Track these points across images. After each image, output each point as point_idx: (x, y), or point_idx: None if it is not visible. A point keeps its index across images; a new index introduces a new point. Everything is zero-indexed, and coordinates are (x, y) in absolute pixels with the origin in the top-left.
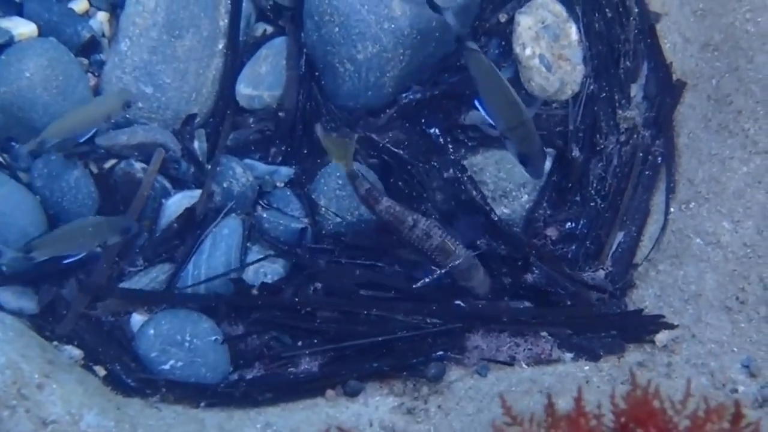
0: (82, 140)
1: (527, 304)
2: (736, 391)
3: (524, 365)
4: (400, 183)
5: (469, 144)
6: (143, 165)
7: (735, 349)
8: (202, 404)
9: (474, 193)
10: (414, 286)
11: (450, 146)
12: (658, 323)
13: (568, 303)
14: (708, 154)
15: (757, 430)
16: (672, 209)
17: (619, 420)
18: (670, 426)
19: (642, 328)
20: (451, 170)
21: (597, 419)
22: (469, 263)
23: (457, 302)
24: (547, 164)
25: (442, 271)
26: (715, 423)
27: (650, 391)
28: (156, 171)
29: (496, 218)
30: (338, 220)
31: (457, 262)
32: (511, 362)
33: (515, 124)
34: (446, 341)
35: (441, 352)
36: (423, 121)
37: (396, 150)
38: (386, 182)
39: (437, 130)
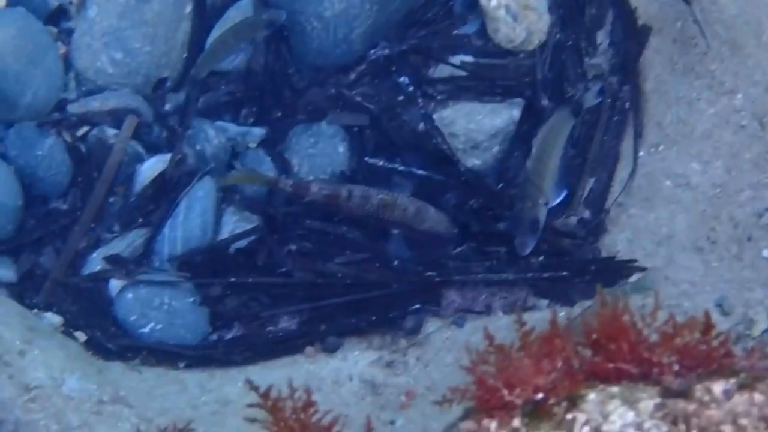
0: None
1: (503, 249)
2: None
3: (500, 314)
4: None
5: (439, 97)
6: (116, 131)
7: (708, 289)
8: (182, 365)
9: (444, 146)
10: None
11: (420, 100)
12: (630, 267)
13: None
14: (675, 97)
15: (726, 341)
16: (641, 153)
17: (590, 337)
18: (641, 339)
19: (615, 272)
20: (421, 124)
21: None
22: (416, 207)
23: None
24: (517, 113)
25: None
26: (686, 336)
27: (620, 307)
28: (128, 137)
29: (464, 169)
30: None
31: (405, 209)
32: (487, 312)
33: (536, 187)
34: (422, 295)
35: (417, 306)
36: (392, 76)
37: (367, 105)
38: (356, 141)
39: (407, 83)
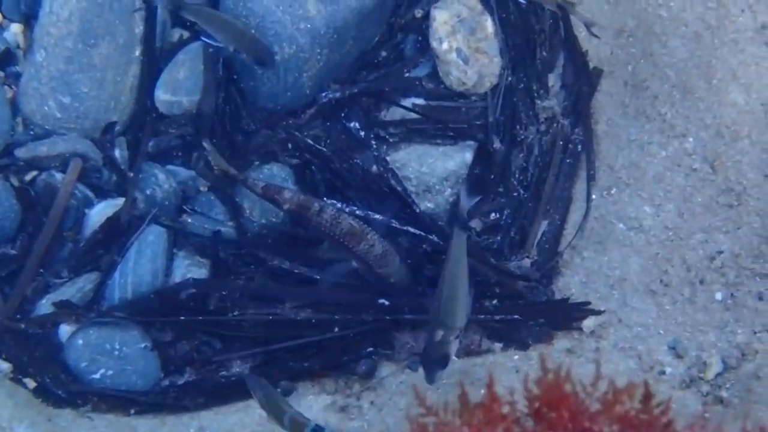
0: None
1: None
2: (663, 372)
3: (454, 357)
4: (321, 180)
5: (391, 140)
6: (64, 175)
7: (661, 332)
8: (133, 412)
9: (398, 187)
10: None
11: (373, 142)
12: (584, 309)
13: (496, 292)
14: (627, 140)
15: (667, 410)
16: (594, 196)
17: (533, 405)
18: (582, 408)
19: (569, 315)
20: (374, 166)
21: (510, 405)
22: (383, 248)
23: (381, 300)
24: (469, 156)
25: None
26: (625, 403)
27: (562, 374)
28: (73, 181)
29: (419, 211)
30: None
31: (371, 246)
32: None
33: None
34: (375, 339)
35: (371, 349)
36: (343, 118)
37: (319, 147)
38: (306, 182)
39: (358, 126)
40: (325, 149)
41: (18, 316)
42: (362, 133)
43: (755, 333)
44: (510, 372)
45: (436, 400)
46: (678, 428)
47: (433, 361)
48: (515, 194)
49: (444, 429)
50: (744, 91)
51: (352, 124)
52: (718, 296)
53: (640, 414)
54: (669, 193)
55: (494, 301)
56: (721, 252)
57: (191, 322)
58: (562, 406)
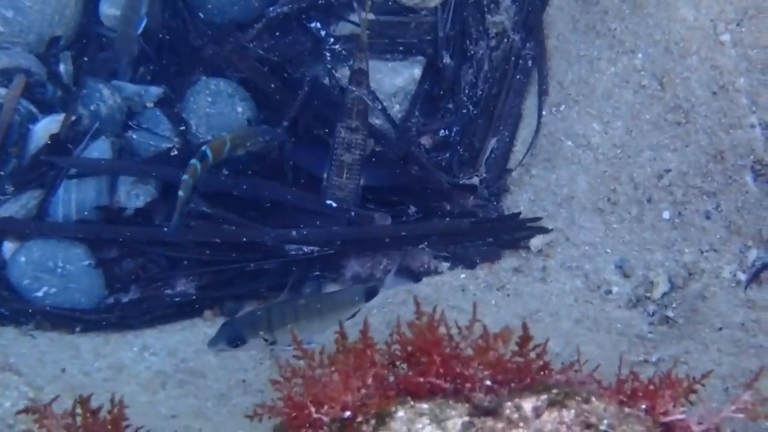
0: None
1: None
2: (610, 292)
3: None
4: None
5: (340, 55)
6: (7, 91)
7: (608, 251)
8: (77, 330)
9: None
10: None
11: (326, 53)
12: (533, 227)
13: (447, 209)
14: (576, 56)
15: (544, 352)
16: (544, 112)
17: (405, 349)
18: (455, 353)
19: (517, 233)
20: (326, 78)
21: (387, 348)
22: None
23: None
24: (418, 72)
25: None
26: (500, 348)
27: (436, 318)
28: (16, 96)
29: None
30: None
31: None
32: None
33: None
34: (322, 264)
35: (317, 273)
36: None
37: (271, 57)
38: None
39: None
40: (276, 59)
41: None
42: (323, 34)
43: (702, 252)
44: (456, 291)
45: (380, 321)
46: (553, 370)
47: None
48: (464, 111)
49: (314, 376)
50: (693, 6)
51: (313, 24)
52: (666, 215)
53: (515, 358)
54: (617, 110)
55: (444, 219)
56: (668, 170)
57: (136, 240)
58: (434, 350)
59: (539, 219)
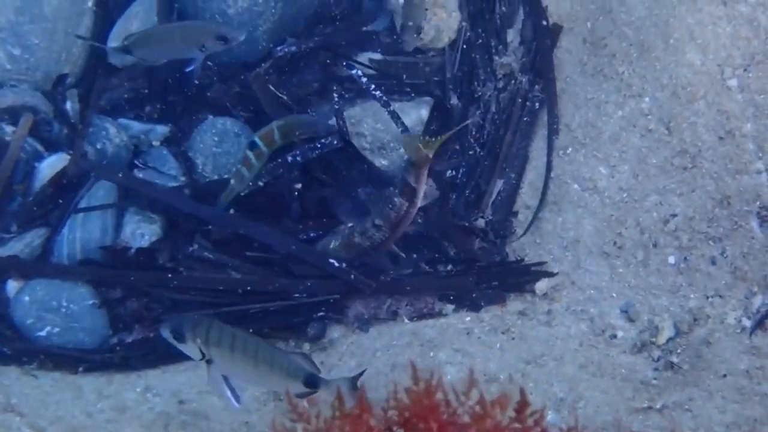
0: None
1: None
2: (615, 336)
3: (406, 320)
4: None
5: (346, 96)
6: (14, 128)
7: (614, 295)
8: (81, 369)
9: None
10: None
11: (335, 94)
12: (538, 271)
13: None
14: (584, 99)
15: (542, 419)
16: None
17: (403, 415)
18: (452, 420)
19: (523, 277)
20: (333, 119)
21: (384, 414)
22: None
23: (331, 261)
24: (425, 112)
25: None
26: (497, 415)
27: (433, 383)
28: (24, 135)
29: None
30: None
31: None
32: (393, 318)
33: None
34: (326, 306)
35: (321, 313)
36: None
37: (279, 94)
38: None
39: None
40: (285, 97)
41: None
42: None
43: (707, 298)
44: (461, 334)
45: (385, 364)
46: None
47: None
48: (471, 152)
49: None
50: (701, 51)
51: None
52: (672, 260)
53: (513, 424)
54: (624, 154)
55: (448, 266)
56: (675, 215)
57: (140, 281)
58: (431, 416)
59: (544, 263)
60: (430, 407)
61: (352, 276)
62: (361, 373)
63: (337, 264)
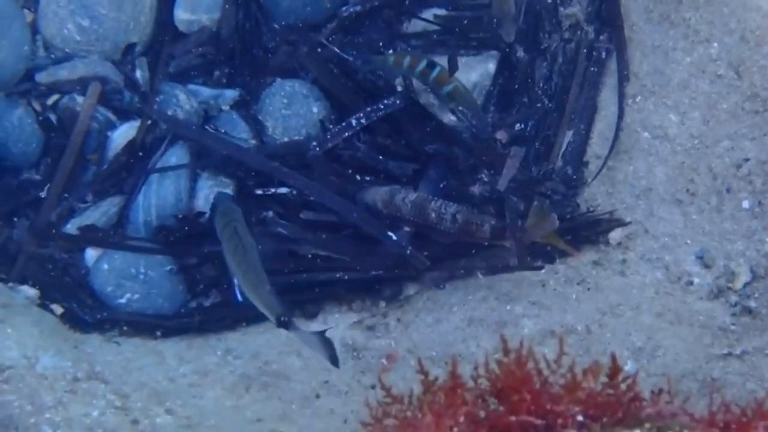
0: None
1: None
2: (691, 283)
3: (480, 276)
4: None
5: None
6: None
7: (688, 242)
8: (158, 334)
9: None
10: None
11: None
12: (610, 221)
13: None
14: (651, 46)
15: (634, 384)
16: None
17: (495, 386)
18: (545, 389)
19: (595, 229)
20: (400, 78)
21: (475, 387)
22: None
23: (389, 234)
24: (492, 66)
25: None
26: (590, 383)
27: (523, 353)
28: (92, 105)
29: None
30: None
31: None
32: (468, 274)
33: None
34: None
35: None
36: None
37: (345, 56)
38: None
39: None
40: (351, 59)
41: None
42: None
43: None
44: (536, 286)
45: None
46: (644, 402)
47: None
48: (540, 104)
49: (406, 416)
50: None
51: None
52: (746, 204)
53: (606, 390)
54: (694, 101)
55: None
56: (747, 159)
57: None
58: (523, 387)
59: (614, 217)
60: (522, 378)
61: (408, 251)
62: (326, 330)
63: (395, 238)
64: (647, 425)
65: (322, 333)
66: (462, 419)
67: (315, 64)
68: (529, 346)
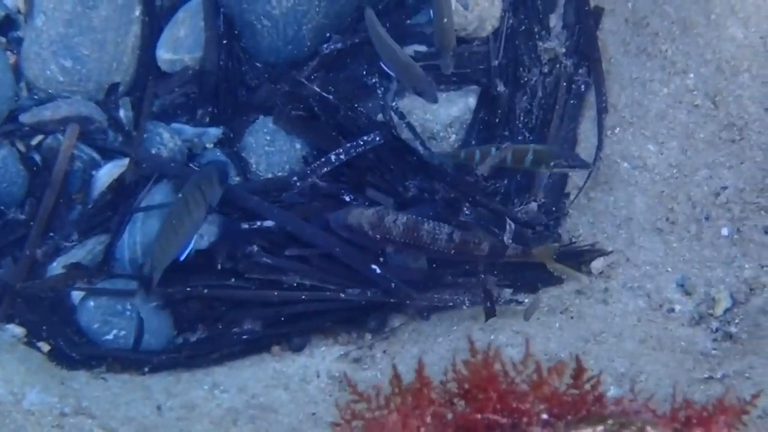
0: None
1: None
2: (672, 310)
3: (466, 306)
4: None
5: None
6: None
7: (669, 269)
8: (146, 370)
9: (409, 133)
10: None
11: (378, 90)
12: (592, 251)
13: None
14: (629, 78)
15: (598, 384)
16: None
17: (462, 386)
18: (510, 389)
19: (578, 258)
20: (380, 114)
21: (442, 387)
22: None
23: (373, 267)
24: (473, 101)
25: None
26: (554, 382)
27: (490, 354)
28: (71, 145)
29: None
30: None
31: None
32: (455, 305)
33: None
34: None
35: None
36: (346, 69)
37: (325, 95)
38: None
39: (364, 75)
40: (330, 97)
41: (30, 280)
42: (368, 80)
43: (762, 267)
44: (520, 315)
45: (447, 349)
46: (607, 402)
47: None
48: (520, 137)
49: (374, 415)
50: (742, 24)
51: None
52: (725, 231)
53: (570, 390)
54: (672, 131)
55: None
56: (725, 187)
57: (199, 288)
58: (490, 386)
59: (596, 245)
60: (488, 378)
61: (393, 284)
62: None
63: (379, 271)
64: (610, 422)
65: None
66: (429, 419)
67: (285, 106)
68: (496, 348)
